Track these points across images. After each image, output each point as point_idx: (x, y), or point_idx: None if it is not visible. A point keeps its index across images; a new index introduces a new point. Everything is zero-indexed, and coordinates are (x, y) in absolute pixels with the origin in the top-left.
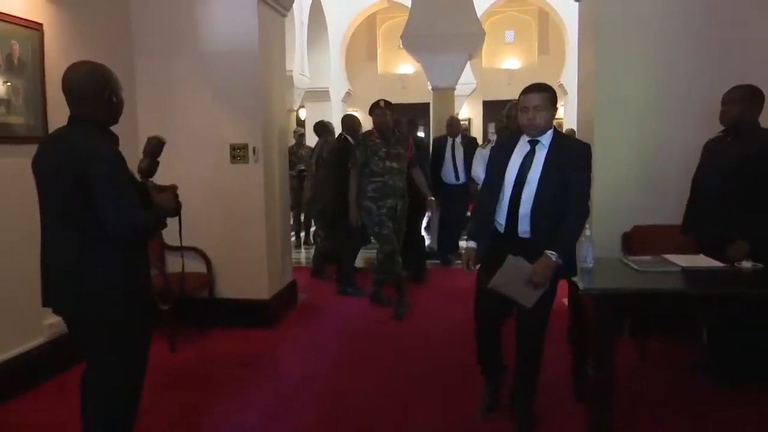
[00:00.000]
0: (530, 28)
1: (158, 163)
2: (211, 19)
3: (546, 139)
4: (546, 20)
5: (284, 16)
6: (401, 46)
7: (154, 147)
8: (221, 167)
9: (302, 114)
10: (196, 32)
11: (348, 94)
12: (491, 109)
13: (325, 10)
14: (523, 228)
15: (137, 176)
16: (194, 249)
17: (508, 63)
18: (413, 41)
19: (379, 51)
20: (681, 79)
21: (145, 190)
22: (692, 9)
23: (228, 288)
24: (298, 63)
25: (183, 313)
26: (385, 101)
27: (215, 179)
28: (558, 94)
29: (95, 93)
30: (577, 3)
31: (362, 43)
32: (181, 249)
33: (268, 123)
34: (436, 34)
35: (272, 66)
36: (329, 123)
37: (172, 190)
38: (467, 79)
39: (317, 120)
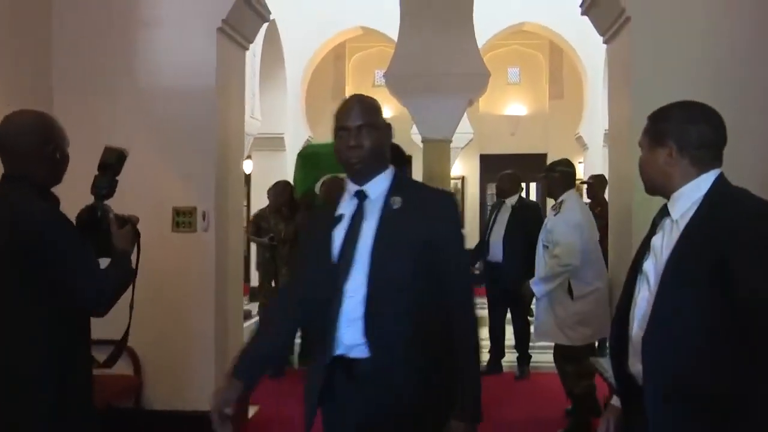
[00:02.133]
0: (539, 66)
1: (117, 182)
2: (155, 50)
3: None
4: (559, 57)
5: (246, 49)
6: (380, 83)
7: (114, 160)
8: (160, 237)
9: (247, 167)
10: (134, 65)
11: (308, 142)
12: (491, 165)
13: (282, 37)
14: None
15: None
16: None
17: (511, 108)
18: (399, 81)
19: (347, 89)
20: (733, 129)
21: (98, 220)
22: (743, 50)
23: (161, 396)
24: (248, 102)
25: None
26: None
27: (151, 252)
28: (575, 148)
29: (36, 147)
30: (604, 45)
31: (328, 79)
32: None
33: (222, 181)
34: (429, 73)
35: (230, 110)
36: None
37: (134, 223)
38: (462, 128)
39: (266, 174)
